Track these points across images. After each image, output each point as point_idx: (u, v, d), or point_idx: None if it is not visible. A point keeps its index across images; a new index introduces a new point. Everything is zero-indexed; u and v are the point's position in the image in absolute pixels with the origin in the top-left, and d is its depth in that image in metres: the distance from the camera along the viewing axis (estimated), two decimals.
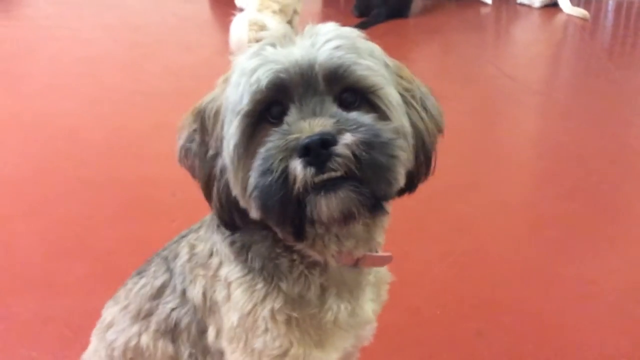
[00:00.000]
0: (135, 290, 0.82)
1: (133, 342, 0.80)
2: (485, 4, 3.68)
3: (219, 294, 0.74)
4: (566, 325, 1.10)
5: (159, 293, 0.80)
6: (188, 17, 3.51)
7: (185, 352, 0.79)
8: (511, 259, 1.27)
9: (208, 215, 0.77)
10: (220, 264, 0.74)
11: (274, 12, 2.69)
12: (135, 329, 0.81)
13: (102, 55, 2.74)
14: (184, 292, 0.78)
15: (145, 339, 0.80)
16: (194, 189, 1.59)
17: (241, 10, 3.43)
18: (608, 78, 2.41)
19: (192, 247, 0.78)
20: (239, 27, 2.59)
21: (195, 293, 0.76)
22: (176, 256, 0.79)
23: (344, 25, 0.67)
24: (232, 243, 0.73)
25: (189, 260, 0.77)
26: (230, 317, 0.72)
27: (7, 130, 1.94)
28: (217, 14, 3.63)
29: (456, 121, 1.98)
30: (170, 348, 0.79)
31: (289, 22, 2.79)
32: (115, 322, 0.83)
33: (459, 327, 1.10)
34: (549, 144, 1.82)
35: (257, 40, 2.60)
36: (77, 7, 3.77)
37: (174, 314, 0.78)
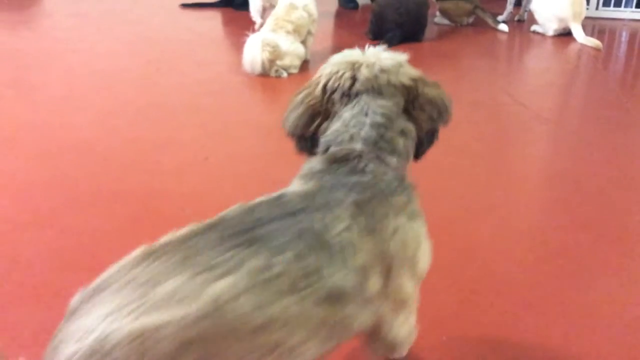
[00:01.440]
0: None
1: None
2: (501, 32, 3.71)
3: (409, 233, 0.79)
4: (572, 356, 1.09)
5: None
6: (202, 34, 3.56)
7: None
8: (519, 287, 1.26)
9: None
10: (408, 201, 0.81)
11: (288, 32, 2.72)
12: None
13: (118, 68, 2.77)
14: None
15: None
16: (203, 204, 1.60)
17: (254, 24, 3.48)
18: (620, 108, 2.41)
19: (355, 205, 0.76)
20: (252, 47, 2.62)
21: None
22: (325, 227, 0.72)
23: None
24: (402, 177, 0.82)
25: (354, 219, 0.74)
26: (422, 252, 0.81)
27: (20, 139, 1.96)
28: (230, 32, 3.67)
29: (466, 145, 1.98)
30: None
31: (303, 43, 2.82)
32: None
33: (464, 353, 1.09)
34: (559, 171, 1.81)
35: (271, 60, 2.71)
36: (96, 21, 3.83)
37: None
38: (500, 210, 1.57)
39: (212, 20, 4.00)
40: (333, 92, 0.83)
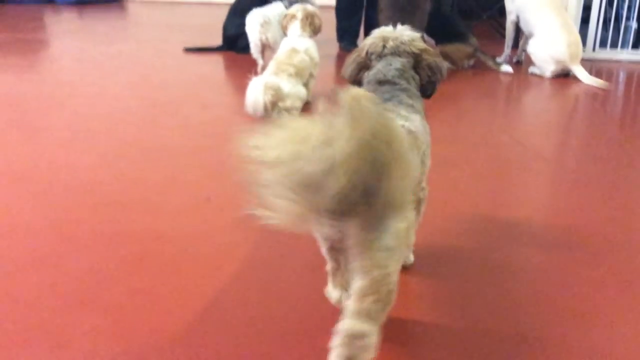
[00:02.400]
0: None
1: None
2: (505, 73, 3.77)
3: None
4: None
5: None
6: (206, 77, 3.62)
7: None
8: (520, 329, 1.25)
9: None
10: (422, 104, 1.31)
11: (290, 75, 2.77)
12: None
13: (122, 111, 2.82)
14: None
15: None
16: (206, 245, 1.61)
17: (256, 66, 3.54)
18: (619, 148, 2.43)
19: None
20: (255, 89, 2.67)
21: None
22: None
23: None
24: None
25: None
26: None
27: (25, 180, 1.98)
28: (232, 75, 3.74)
29: (466, 185, 2.00)
30: None
31: (305, 85, 2.86)
32: None
33: None
34: (559, 211, 1.82)
35: (273, 103, 2.75)
36: (102, 65, 3.91)
37: None
38: (501, 251, 1.57)
39: (215, 64, 4.07)
40: (372, 54, 1.33)
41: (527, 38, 3.95)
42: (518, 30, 4.10)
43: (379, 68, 1.30)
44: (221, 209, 1.79)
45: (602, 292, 1.39)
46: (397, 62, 1.29)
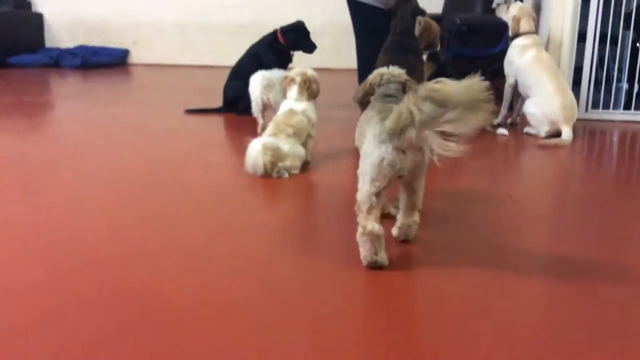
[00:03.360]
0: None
1: None
2: (501, 135, 3.85)
3: None
4: None
5: None
6: (206, 138, 3.69)
7: None
8: None
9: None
10: None
11: (289, 135, 2.83)
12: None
13: (124, 171, 2.86)
14: None
15: None
16: (206, 304, 1.61)
17: (257, 125, 3.61)
18: (616, 207, 2.46)
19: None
20: (254, 150, 2.72)
21: None
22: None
23: None
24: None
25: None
26: None
27: (25, 241, 1.99)
28: (233, 136, 3.81)
29: (462, 244, 2.01)
30: None
31: (304, 145, 2.92)
32: None
33: None
34: (557, 269, 1.82)
35: (272, 162, 2.83)
36: (105, 127, 3.98)
37: None
38: (498, 313, 1.57)
39: (216, 125, 4.15)
40: (374, 84, 2.06)
41: (523, 100, 4.05)
42: (514, 93, 4.20)
43: (381, 90, 2.04)
44: (221, 267, 1.79)
45: (595, 354, 1.38)
46: (392, 87, 2.04)
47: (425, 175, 1.83)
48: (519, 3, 4.31)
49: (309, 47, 4.65)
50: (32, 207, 2.32)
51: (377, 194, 1.70)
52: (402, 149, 1.66)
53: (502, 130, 3.90)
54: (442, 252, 1.94)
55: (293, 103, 2.98)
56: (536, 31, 4.11)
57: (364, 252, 1.74)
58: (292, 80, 3.03)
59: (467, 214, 2.29)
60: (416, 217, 1.90)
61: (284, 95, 3.17)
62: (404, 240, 1.97)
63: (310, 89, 3.02)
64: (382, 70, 2.07)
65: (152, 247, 1.94)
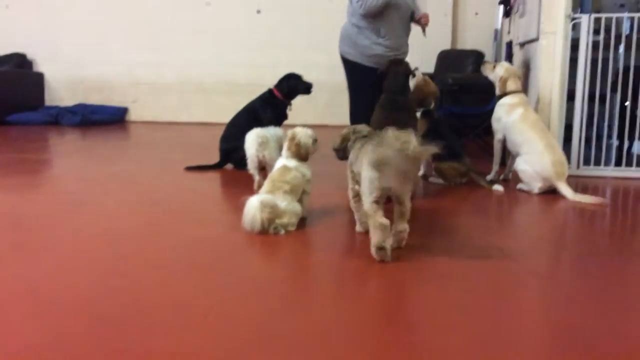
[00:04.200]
0: None
1: None
2: (496, 192, 3.89)
3: None
4: None
5: None
6: (204, 195, 3.72)
7: None
8: None
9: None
10: None
11: (285, 192, 2.86)
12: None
13: (121, 229, 2.87)
14: None
15: None
16: None
17: (253, 182, 3.65)
18: (610, 263, 2.48)
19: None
20: (252, 207, 2.74)
21: None
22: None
23: None
24: None
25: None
26: None
27: (21, 300, 1.99)
28: (229, 193, 3.85)
29: (459, 299, 2.01)
30: None
31: (299, 201, 2.95)
32: None
33: None
34: (554, 327, 1.83)
35: (270, 219, 2.86)
36: (103, 184, 4.02)
37: None
38: None
39: (213, 182, 4.20)
40: (348, 137, 2.72)
41: (514, 157, 4.12)
42: (505, 149, 4.27)
43: (357, 136, 2.67)
44: (219, 325, 1.79)
45: None
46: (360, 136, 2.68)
47: (411, 194, 2.48)
48: (505, 63, 4.44)
49: (306, 89, 4.74)
50: (28, 267, 2.32)
51: (376, 202, 2.33)
52: (385, 172, 2.31)
53: (498, 187, 3.95)
54: (441, 311, 1.94)
55: (285, 160, 3.01)
56: (522, 90, 4.23)
57: (376, 239, 2.31)
58: (286, 139, 3.05)
59: (465, 273, 2.30)
60: (406, 226, 2.43)
61: (279, 152, 3.22)
62: (397, 247, 2.44)
63: (298, 153, 3.00)
64: (353, 126, 2.81)
65: (149, 305, 1.94)
